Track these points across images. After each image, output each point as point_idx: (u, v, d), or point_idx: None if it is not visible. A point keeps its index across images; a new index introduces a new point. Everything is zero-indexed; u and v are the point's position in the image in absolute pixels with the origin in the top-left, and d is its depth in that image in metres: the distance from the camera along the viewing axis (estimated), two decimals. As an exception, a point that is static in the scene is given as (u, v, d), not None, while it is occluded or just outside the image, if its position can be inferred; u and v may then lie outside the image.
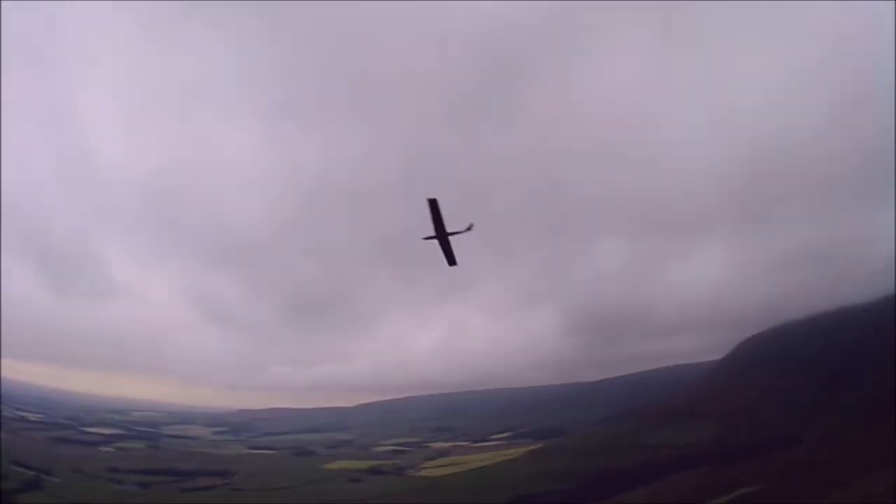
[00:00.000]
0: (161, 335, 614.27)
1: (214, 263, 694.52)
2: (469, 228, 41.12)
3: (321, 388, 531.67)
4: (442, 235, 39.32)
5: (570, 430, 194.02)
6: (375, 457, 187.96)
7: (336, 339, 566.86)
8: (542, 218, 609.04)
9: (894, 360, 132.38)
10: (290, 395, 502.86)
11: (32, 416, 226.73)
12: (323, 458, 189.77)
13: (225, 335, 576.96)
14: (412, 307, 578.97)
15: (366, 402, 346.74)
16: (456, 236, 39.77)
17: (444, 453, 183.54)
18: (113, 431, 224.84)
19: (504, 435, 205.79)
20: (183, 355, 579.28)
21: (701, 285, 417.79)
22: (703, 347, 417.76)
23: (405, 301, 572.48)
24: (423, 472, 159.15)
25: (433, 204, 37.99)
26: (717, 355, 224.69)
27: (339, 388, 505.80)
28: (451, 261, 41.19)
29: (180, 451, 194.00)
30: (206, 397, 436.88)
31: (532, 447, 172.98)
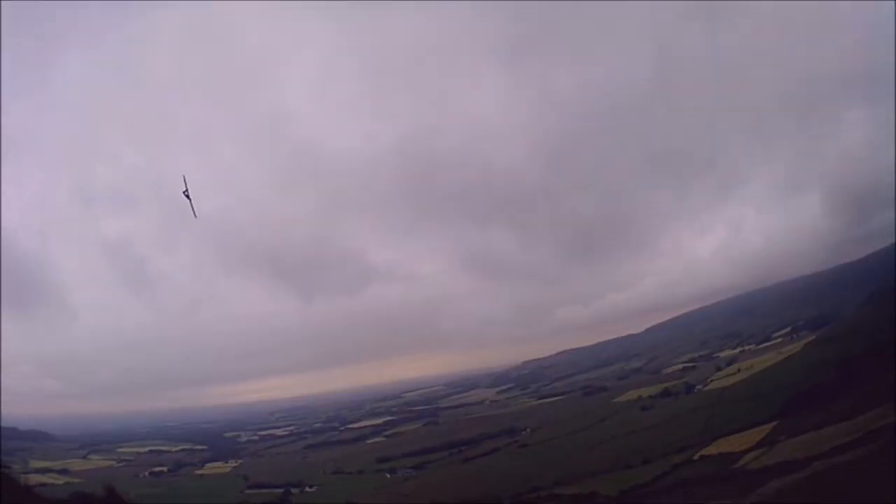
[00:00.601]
0: (433, 309, 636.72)
1: (482, 220, 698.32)
2: None
3: (608, 319, 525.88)
4: None
5: (840, 314, 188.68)
6: (665, 379, 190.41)
7: (619, 266, 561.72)
8: (793, 100, 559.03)
9: None
10: (577, 336, 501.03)
11: (280, 432, 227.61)
12: (614, 391, 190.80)
13: (504, 290, 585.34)
14: (689, 216, 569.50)
15: (654, 323, 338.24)
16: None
17: (731, 361, 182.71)
18: (384, 420, 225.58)
19: (784, 331, 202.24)
20: (459, 322, 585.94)
21: None
22: None
23: (681, 211, 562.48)
24: (711, 385, 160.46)
25: None
26: None
27: (628, 315, 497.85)
28: None
29: (461, 421, 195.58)
30: (489, 358, 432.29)
31: (807, 339, 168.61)
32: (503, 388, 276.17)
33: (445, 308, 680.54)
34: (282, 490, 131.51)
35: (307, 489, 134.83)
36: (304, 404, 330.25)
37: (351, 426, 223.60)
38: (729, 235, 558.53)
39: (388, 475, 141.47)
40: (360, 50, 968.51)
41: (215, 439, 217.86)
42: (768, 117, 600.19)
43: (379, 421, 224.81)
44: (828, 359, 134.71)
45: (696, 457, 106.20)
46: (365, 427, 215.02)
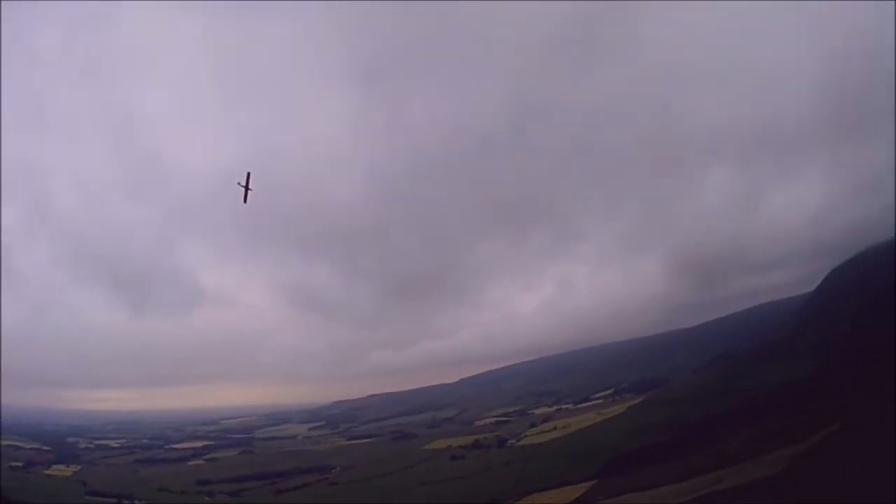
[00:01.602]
0: (255, 337, 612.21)
1: (309, 252, 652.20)
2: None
3: (422, 366, 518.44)
4: None
5: (669, 379, 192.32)
6: (477, 430, 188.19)
7: (437, 314, 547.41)
8: (649, 155, 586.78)
9: None
10: (390, 380, 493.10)
11: (114, 443, 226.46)
12: (424, 438, 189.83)
13: (323, 326, 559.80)
14: (519, 269, 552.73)
15: (469, 374, 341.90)
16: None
17: (547, 418, 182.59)
18: (203, 443, 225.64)
19: (606, 392, 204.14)
20: (278, 354, 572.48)
21: (796, 212, 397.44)
22: (794, 280, 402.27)
23: (513, 263, 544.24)
24: (524, 441, 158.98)
25: None
26: (808, 288, 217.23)
27: (442, 364, 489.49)
28: None
29: (275, 453, 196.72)
30: (302, 394, 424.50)
31: (633, 402, 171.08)
32: (315, 424, 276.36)
33: (266, 339, 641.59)
34: (115, 501, 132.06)
35: (137, 503, 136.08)
36: (134, 419, 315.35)
37: (174, 446, 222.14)
38: (557, 292, 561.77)
39: (208, 498, 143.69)
40: (222, 57, 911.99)
41: (59, 442, 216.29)
42: (619, 172, 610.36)
43: (199, 444, 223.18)
44: (656, 422, 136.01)
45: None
46: (187, 448, 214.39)
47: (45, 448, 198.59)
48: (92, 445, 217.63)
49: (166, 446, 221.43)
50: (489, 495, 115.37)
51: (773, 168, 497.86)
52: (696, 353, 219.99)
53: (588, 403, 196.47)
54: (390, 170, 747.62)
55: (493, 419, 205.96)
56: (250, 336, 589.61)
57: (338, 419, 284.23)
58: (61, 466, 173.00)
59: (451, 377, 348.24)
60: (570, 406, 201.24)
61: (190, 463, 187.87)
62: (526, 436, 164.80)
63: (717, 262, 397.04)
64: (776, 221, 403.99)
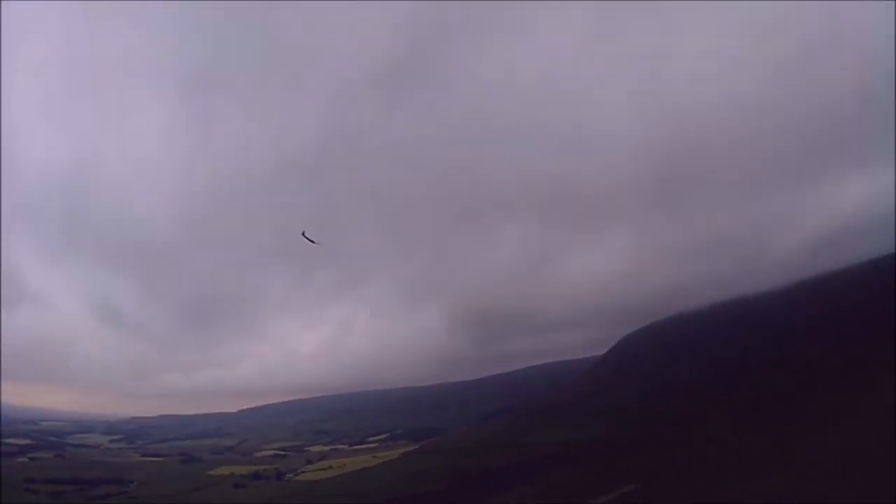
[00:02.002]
0: (66, 342, 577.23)
1: (117, 264, 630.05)
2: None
3: (207, 393, 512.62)
4: None
5: (447, 429, 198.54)
6: (257, 461, 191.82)
7: (225, 342, 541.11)
8: (447, 204, 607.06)
9: (798, 352, 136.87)
10: (178, 402, 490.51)
11: None
12: (209, 463, 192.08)
13: (123, 341, 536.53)
14: (303, 307, 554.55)
15: (249, 406, 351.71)
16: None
17: (323, 456, 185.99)
18: (27, 441, 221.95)
19: (382, 436, 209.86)
20: (85, 363, 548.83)
21: (594, 276, 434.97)
22: (586, 342, 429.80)
23: (297, 300, 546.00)
24: (302, 476, 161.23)
25: None
26: (600, 350, 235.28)
27: (225, 393, 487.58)
28: None
29: (84, 461, 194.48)
30: (104, 405, 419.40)
31: (408, 448, 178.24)
32: (114, 437, 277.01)
33: (74, 346, 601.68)
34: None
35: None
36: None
37: (6, 440, 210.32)
38: (338, 333, 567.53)
39: (33, 496, 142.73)
40: (63, 56, 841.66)
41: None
42: (414, 218, 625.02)
43: (23, 442, 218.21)
44: (431, 470, 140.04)
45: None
46: (12, 445, 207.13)
47: None
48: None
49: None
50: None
51: (569, 232, 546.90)
52: (473, 406, 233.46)
53: (363, 446, 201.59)
54: (194, 188, 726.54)
55: (272, 451, 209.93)
56: (62, 341, 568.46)
57: (133, 434, 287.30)
58: None
59: (232, 407, 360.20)
60: (346, 447, 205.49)
61: (17, 459, 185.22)
62: (303, 471, 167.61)
63: (502, 318, 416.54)
64: (569, 283, 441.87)
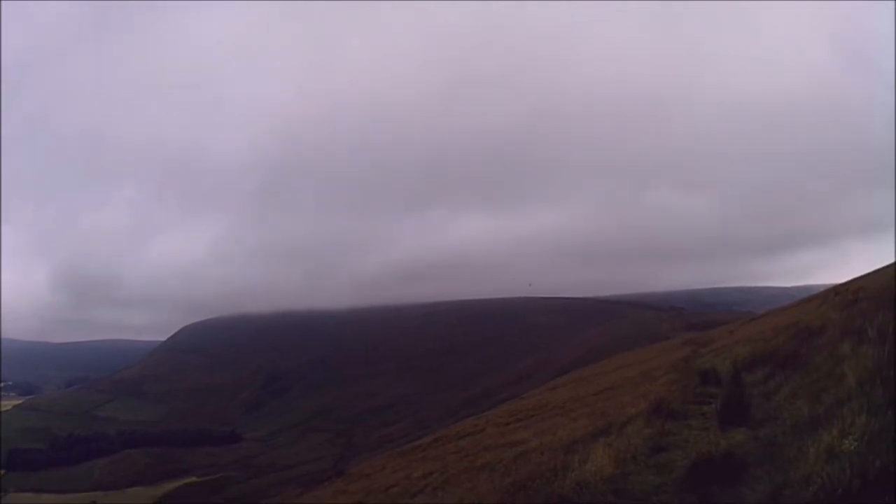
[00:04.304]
0: None
1: None
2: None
3: None
4: None
5: (43, 389, 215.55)
6: None
7: None
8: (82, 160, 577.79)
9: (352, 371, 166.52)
10: None
11: None
12: None
13: None
14: None
15: None
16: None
17: None
18: None
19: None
20: None
21: (176, 261, 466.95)
22: (154, 325, 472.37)
23: None
24: None
25: None
26: (162, 336, 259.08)
27: None
28: None
29: None
30: None
31: (17, 401, 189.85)
32: None
33: None
34: None
35: None
36: None
37: None
38: None
39: None
40: None
41: None
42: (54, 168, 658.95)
43: None
44: (37, 429, 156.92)
45: None
46: None
47: None
48: None
49: None
50: None
51: (180, 206, 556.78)
52: (65, 370, 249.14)
53: None
54: None
55: None
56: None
57: None
58: None
59: None
60: None
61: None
62: None
63: (96, 285, 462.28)
64: (155, 262, 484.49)
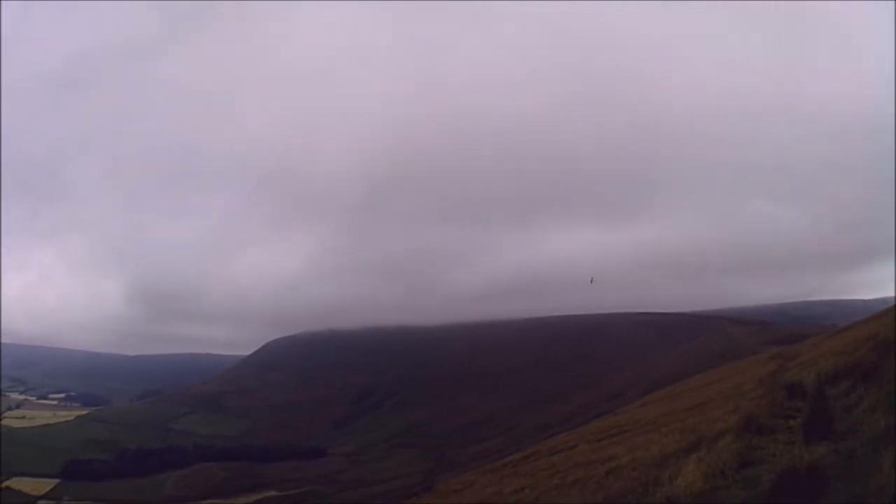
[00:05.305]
0: None
1: None
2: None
3: None
4: None
5: (112, 401, 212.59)
6: None
7: None
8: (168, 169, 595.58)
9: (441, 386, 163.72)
10: None
11: None
12: None
13: None
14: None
15: None
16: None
17: (19, 405, 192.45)
18: None
19: (60, 395, 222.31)
20: None
21: (267, 277, 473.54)
22: (236, 339, 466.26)
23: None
24: (4, 422, 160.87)
25: None
26: (245, 351, 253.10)
27: None
28: None
29: None
30: None
31: (81, 412, 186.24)
32: None
33: None
34: None
35: None
36: None
37: None
38: (40, 281, 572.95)
39: None
40: None
41: None
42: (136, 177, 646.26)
43: None
44: (102, 440, 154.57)
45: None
46: None
47: None
48: None
49: None
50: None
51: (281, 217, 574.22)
52: (137, 383, 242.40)
53: (46, 401, 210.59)
54: None
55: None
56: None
57: None
58: None
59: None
60: (34, 398, 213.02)
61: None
62: (4, 418, 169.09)
63: (174, 297, 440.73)
64: (240, 278, 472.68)
